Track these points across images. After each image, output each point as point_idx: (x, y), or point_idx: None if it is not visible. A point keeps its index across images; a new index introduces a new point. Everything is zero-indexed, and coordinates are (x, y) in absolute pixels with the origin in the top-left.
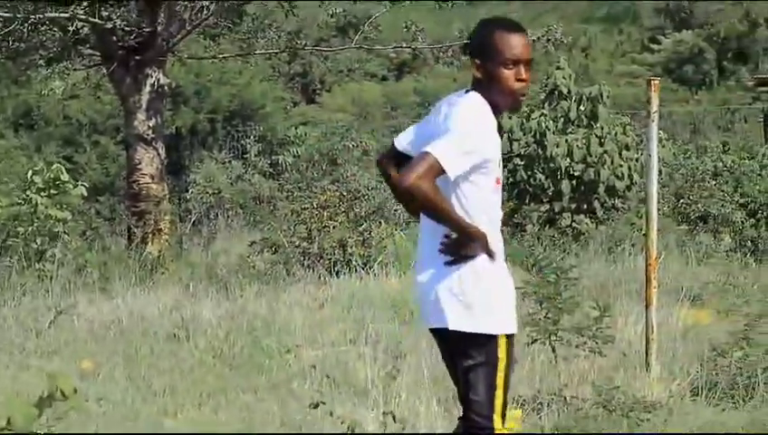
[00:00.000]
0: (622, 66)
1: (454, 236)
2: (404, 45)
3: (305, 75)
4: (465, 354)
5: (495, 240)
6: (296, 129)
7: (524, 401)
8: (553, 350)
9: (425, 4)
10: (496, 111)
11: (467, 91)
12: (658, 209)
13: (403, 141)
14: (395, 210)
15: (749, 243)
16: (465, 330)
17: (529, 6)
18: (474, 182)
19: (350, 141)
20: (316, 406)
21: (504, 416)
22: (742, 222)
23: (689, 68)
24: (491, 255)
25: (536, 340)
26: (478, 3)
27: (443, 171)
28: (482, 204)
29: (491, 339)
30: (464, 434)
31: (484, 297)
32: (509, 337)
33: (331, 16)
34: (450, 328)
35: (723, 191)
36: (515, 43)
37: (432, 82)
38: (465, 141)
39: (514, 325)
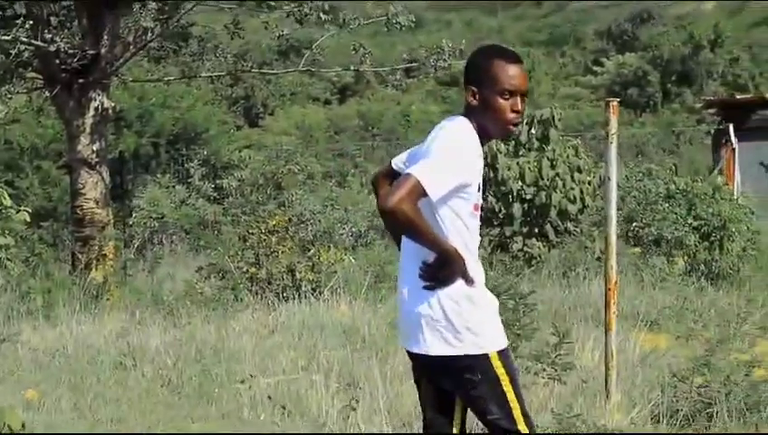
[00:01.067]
0: (566, 89)
1: (431, 261)
2: (352, 67)
3: (248, 99)
4: (457, 379)
5: (473, 265)
6: (240, 152)
7: (482, 430)
8: None
9: (365, 30)
10: (486, 138)
11: (456, 116)
12: None
13: (399, 162)
14: (341, 234)
15: (702, 266)
16: (449, 354)
17: (471, 28)
18: (452, 207)
19: (295, 165)
20: None
21: (530, 425)
22: (695, 245)
23: (633, 91)
24: (468, 279)
25: None
26: (419, 28)
27: (425, 193)
28: (459, 229)
29: (480, 359)
30: None
31: (464, 321)
32: (501, 352)
33: (278, 38)
34: (432, 354)
35: (676, 214)
36: (514, 74)
37: (376, 105)
38: (446, 164)
39: (504, 339)
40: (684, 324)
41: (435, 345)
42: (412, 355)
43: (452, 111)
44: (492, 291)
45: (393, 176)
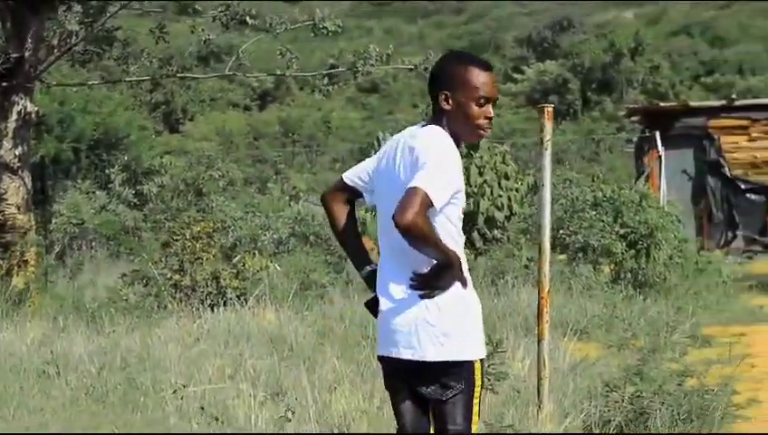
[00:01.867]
0: None
1: (425, 270)
2: (278, 72)
3: (168, 104)
4: (442, 385)
5: (464, 267)
6: (161, 158)
7: None
8: None
9: (285, 36)
10: (457, 142)
11: (425, 125)
12: (536, 241)
13: (353, 177)
14: (263, 240)
15: (629, 274)
16: (446, 359)
17: (392, 36)
18: (444, 213)
19: (216, 171)
20: None
21: None
22: (622, 253)
23: (554, 98)
24: (464, 282)
25: None
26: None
27: (431, 204)
28: (451, 232)
29: (468, 365)
30: None
31: (460, 325)
32: (482, 361)
33: (204, 42)
34: (429, 360)
35: (603, 222)
36: (488, 81)
37: (296, 111)
38: (444, 173)
39: (485, 348)
40: (614, 333)
41: (429, 350)
42: (392, 362)
43: (372, 117)
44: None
45: (350, 191)
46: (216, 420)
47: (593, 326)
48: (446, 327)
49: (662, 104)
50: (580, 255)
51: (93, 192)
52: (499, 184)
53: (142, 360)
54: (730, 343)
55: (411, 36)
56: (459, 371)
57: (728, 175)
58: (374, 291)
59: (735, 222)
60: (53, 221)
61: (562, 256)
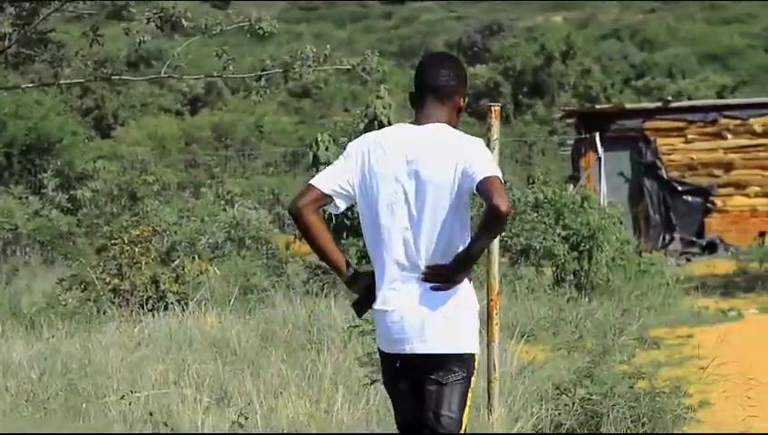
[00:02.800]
0: None
1: (440, 263)
2: (215, 73)
3: (99, 109)
4: (447, 371)
5: None
6: (94, 163)
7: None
8: None
9: (214, 41)
10: None
11: (441, 124)
12: None
13: (331, 185)
14: (200, 245)
15: (572, 276)
16: (459, 351)
17: (321, 40)
18: (467, 203)
19: (150, 175)
20: None
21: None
22: (564, 255)
23: (485, 102)
24: (470, 275)
25: (376, 380)
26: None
27: None
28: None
29: (471, 357)
30: None
31: (471, 317)
32: (478, 355)
33: (139, 43)
34: (443, 352)
35: (545, 224)
36: None
37: (228, 116)
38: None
39: None
40: (561, 336)
41: (444, 343)
42: (401, 358)
43: (305, 121)
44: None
45: (322, 200)
46: (165, 425)
47: (539, 329)
48: (459, 320)
49: (598, 106)
50: (523, 257)
51: (26, 197)
52: None
53: (83, 365)
54: (678, 345)
55: (341, 41)
56: (465, 361)
57: (665, 177)
58: (359, 292)
59: (673, 224)
60: None
61: (503, 259)
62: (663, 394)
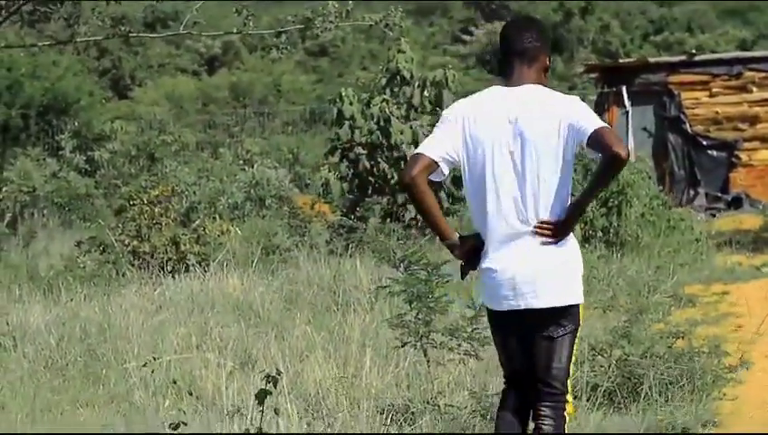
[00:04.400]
0: (435, 58)
1: (553, 219)
2: (235, 30)
3: (116, 70)
4: (557, 325)
5: None
6: (112, 123)
7: (395, 410)
8: (425, 354)
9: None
10: None
11: (536, 84)
12: None
13: (442, 153)
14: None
15: (600, 233)
16: (569, 303)
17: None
18: (570, 160)
19: (168, 135)
20: (176, 426)
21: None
22: (593, 211)
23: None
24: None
25: (406, 343)
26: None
27: None
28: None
29: (577, 308)
30: (543, 400)
31: (578, 271)
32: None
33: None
34: (556, 305)
35: (573, 179)
36: None
37: (246, 76)
38: None
39: None
40: (593, 295)
41: (558, 297)
42: (512, 314)
43: (322, 80)
44: (402, 261)
45: (432, 168)
46: (190, 393)
47: None
48: (567, 273)
49: (621, 60)
50: None
51: (44, 159)
52: None
53: (103, 330)
54: (714, 302)
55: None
56: (573, 313)
57: (689, 131)
58: (464, 255)
59: (697, 179)
60: (4, 189)
61: None
62: (702, 354)
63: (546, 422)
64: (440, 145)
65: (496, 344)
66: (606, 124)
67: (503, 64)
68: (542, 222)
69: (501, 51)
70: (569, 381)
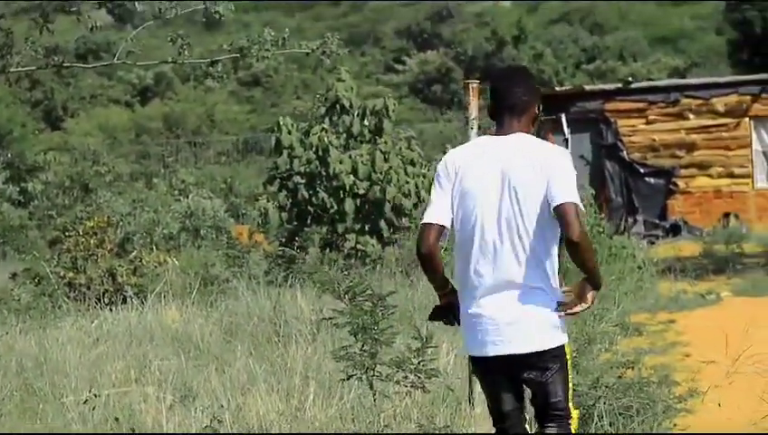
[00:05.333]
0: (368, 87)
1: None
2: (170, 60)
3: (48, 101)
4: (542, 369)
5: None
6: (45, 154)
7: None
8: (371, 386)
9: (161, 32)
10: None
11: (525, 133)
12: None
13: (445, 216)
14: (156, 235)
15: None
16: (555, 346)
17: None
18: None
19: (102, 166)
20: None
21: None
22: None
23: (437, 87)
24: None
25: (352, 376)
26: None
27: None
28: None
29: (562, 348)
30: (547, 421)
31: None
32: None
33: (92, 29)
34: (543, 349)
35: None
36: None
37: (179, 106)
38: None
39: None
40: None
41: (543, 341)
42: (499, 359)
43: (256, 110)
44: (347, 292)
45: (444, 230)
46: (132, 430)
47: None
48: (549, 316)
49: (558, 88)
50: None
51: None
52: (405, 171)
53: (39, 364)
54: (660, 332)
55: (291, 29)
56: (558, 353)
57: (627, 159)
58: (444, 305)
59: (635, 206)
60: None
61: None
62: (652, 383)
63: None
64: (443, 210)
65: (484, 391)
66: (572, 199)
67: (493, 113)
68: (561, 303)
69: (491, 101)
70: (570, 403)
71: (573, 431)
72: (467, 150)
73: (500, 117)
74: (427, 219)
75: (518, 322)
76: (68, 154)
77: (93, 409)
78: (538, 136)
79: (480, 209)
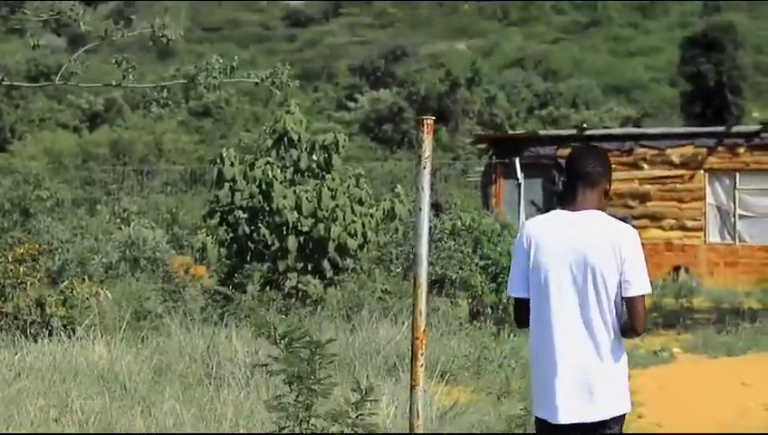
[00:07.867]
0: (319, 123)
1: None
2: (114, 83)
3: None
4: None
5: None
6: None
7: None
8: None
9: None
10: None
11: (597, 211)
12: (391, 271)
13: (525, 287)
14: (92, 264)
15: (489, 310)
16: (621, 413)
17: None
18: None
19: (44, 191)
20: None
21: None
22: (482, 286)
23: (388, 126)
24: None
25: (284, 428)
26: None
27: None
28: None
29: (624, 416)
30: None
31: (626, 381)
32: None
33: (33, 47)
34: (610, 417)
35: (462, 253)
36: None
37: (128, 133)
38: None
39: None
40: (484, 377)
41: (611, 409)
42: (565, 427)
43: (205, 141)
44: (283, 337)
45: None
46: None
47: (460, 368)
48: (621, 386)
49: (511, 132)
50: (436, 287)
51: None
52: (352, 209)
53: None
54: None
55: (244, 61)
56: (622, 418)
57: None
58: None
59: None
60: None
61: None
62: None
63: None
64: (521, 281)
65: None
66: (644, 292)
67: (566, 188)
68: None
69: (566, 175)
70: None
71: None
72: (542, 224)
73: (573, 189)
74: (515, 294)
75: (592, 387)
76: (10, 177)
77: None
78: (488, 178)
79: (556, 283)
